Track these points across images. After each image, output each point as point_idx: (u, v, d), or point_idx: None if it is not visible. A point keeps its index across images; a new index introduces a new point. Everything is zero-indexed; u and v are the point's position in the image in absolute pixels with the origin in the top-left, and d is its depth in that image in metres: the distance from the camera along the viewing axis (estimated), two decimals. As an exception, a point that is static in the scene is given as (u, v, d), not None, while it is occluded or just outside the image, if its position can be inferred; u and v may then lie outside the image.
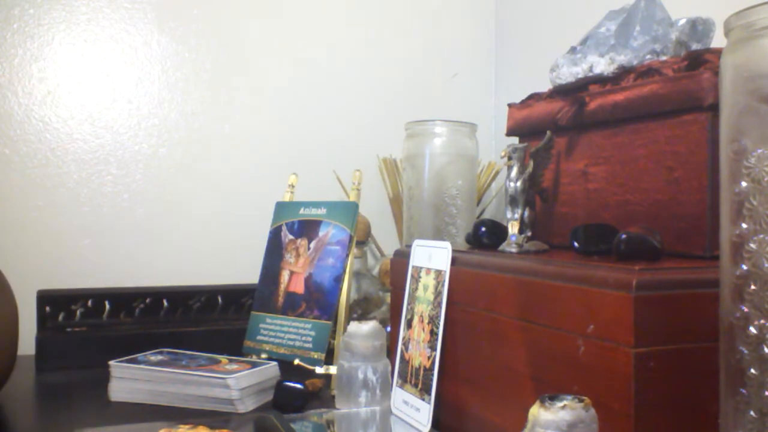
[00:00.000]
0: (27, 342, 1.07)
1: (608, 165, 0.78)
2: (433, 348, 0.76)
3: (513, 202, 0.80)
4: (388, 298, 1.13)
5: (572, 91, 0.82)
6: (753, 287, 0.42)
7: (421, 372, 0.78)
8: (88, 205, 1.25)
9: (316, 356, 0.97)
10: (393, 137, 1.25)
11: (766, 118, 0.41)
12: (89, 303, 1.17)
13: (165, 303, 1.21)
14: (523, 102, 0.95)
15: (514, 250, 0.76)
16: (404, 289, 0.85)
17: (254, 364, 0.94)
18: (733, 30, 0.43)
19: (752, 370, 0.42)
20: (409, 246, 0.88)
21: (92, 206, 1.25)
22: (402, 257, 0.89)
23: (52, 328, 1.14)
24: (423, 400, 0.76)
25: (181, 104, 1.31)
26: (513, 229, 0.79)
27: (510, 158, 0.80)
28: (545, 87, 0.89)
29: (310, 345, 0.99)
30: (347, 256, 1.02)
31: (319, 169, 1.31)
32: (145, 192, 1.28)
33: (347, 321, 0.99)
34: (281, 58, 1.36)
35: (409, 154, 1.11)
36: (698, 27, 0.80)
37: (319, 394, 0.94)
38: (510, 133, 0.97)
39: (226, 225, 1.32)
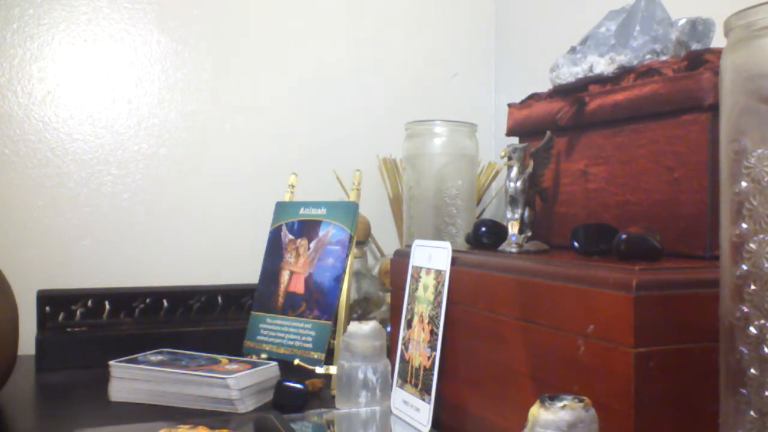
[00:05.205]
0: (27, 342, 1.07)
1: (608, 165, 0.78)
2: (433, 348, 0.76)
3: (513, 202, 0.80)
4: (388, 298, 1.13)
5: (572, 91, 0.82)
6: (753, 287, 0.42)
7: (421, 372, 0.78)
8: (88, 205, 1.25)
9: (316, 356, 0.97)
10: (393, 137, 1.25)
11: (766, 118, 0.41)
12: (89, 303, 1.17)
13: (165, 303, 1.21)
14: (523, 102, 0.95)
15: (514, 250, 0.76)
16: (404, 289, 0.85)
17: (254, 364, 0.94)
18: (733, 30, 0.43)
19: (752, 370, 0.42)
20: (409, 246, 0.88)
21: (92, 206, 1.25)
22: (402, 257, 0.89)
23: (52, 328, 1.14)
24: (423, 400, 0.76)
25: (181, 104, 1.31)
26: (513, 229, 0.79)
27: (510, 158, 0.80)
28: (545, 87, 0.89)
29: (310, 345, 0.99)
30: (347, 256, 1.02)
31: (319, 169, 1.31)
32: (145, 192, 1.28)
33: (347, 321, 0.99)
34: (281, 59, 1.36)
35: (409, 154, 1.11)
36: (698, 27, 0.80)
37: (319, 394, 0.94)
38: (510, 133, 0.97)
39: (226, 225, 1.32)
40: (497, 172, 1.33)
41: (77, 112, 1.25)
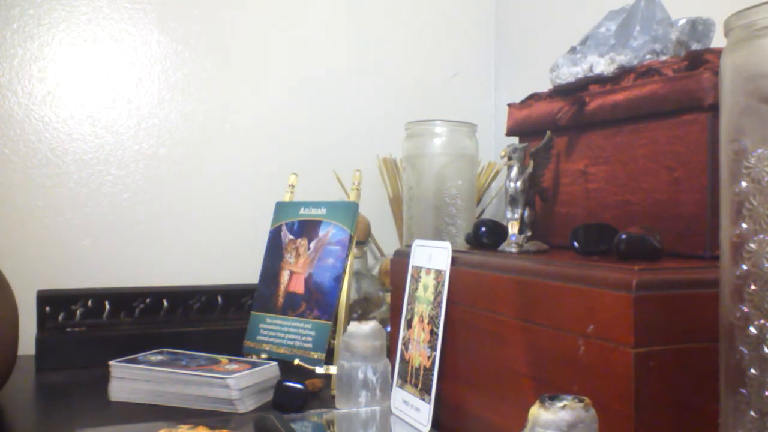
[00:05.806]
0: (27, 342, 1.07)
1: (608, 165, 0.78)
2: (433, 348, 0.76)
3: (513, 202, 0.80)
4: (388, 298, 1.13)
5: (572, 91, 0.82)
6: (753, 287, 0.42)
7: (421, 372, 0.78)
8: (88, 205, 1.25)
9: (316, 356, 0.97)
10: (393, 137, 1.25)
11: (766, 118, 0.41)
12: (89, 303, 1.17)
13: (165, 303, 1.21)
14: (523, 102, 0.95)
15: (514, 250, 0.76)
16: (404, 289, 0.85)
17: (254, 364, 0.94)
18: (733, 30, 0.43)
19: (752, 370, 0.42)
20: (409, 246, 0.88)
21: (92, 206, 1.25)
22: (402, 257, 0.89)
23: (52, 328, 1.14)
24: (423, 400, 0.76)
25: (181, 104, 1.31)
26: (513, 229, 0.79)
27: (510, 158, 0.80)
28: (545, 87, 0.89)
29: (310, 345, 0.99)
30: (347, 256, 1.02)
31: (319, 169, 1.31)
32: (145, 192, 1.28)
33: (347, 321, 0.99)
34: (281, 58, 1.36)
35: (409, 154, 1.11)
36: (698, 27, 0.80)
37: (319, 394, 0.94)
38: (510, 133, 0.97)
39: (226, 225, 1.32)
40: (497, 172, 1.33)
41: (77, 112, 1.25)
